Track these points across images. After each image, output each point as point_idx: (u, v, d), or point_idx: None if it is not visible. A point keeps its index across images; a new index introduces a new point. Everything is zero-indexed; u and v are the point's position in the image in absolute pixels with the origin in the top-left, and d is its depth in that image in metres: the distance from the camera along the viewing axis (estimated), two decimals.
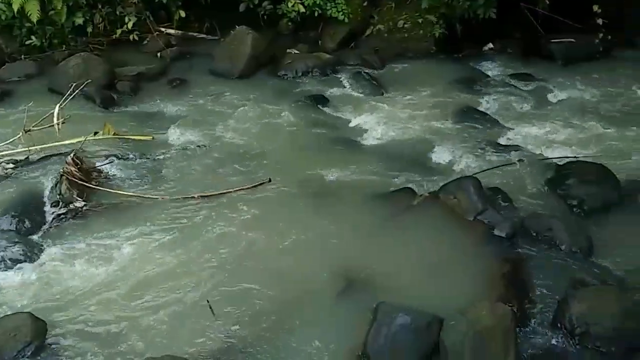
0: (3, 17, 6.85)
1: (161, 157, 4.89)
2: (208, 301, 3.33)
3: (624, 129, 5.10)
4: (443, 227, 3.97)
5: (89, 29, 7.12)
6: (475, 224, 3.92)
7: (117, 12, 7.18)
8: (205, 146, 5.03)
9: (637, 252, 3.64)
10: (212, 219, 4.08)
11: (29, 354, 3.06)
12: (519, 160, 4.67)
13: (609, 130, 5.13)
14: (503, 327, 2.90)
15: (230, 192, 4.34)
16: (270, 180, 4.44)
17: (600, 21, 5.94)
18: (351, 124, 5.45)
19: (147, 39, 7.36)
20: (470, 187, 4.08)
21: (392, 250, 3.78)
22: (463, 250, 3.76)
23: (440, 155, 4.83)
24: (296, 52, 6.94)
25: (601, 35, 6.09)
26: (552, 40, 6.70)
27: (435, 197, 4.17)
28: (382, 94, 6.02)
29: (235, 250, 3.79)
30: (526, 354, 2.98)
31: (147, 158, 4.86)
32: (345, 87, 6.21)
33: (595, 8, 5.89)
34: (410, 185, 4.36)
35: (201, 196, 4.29)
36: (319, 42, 7.28)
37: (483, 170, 4.48)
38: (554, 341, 3.08)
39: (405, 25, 6.88)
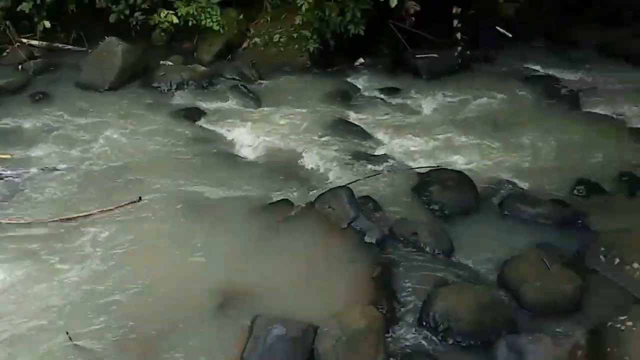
0: None
1: (20, 176, 4.61)
2: (67, 332, 3.18)
3: (482, 138, 5.54)
4: (319, 236, 4.11)
5: None
6: (348, 231, 4.10)
7: None
8: (69, 164, 4.79)
9: (493, 252, 3.98)
10: (76, 242, 3.90)
11: None
12: (388, 170, 4.94)
13: (468, 139, 5.55)
14: (373, 330, 3.07)
15: (95, 213, 4.14)
16: (140, 199, 4.31)
17: (459, 35, 6.42)
18: (228, 138, 5.46)
19: (7, 50, 6.89)
20: (344, 196, 4.26)
21: (269, 262, 3.84)
22: (337, 258, 3.91)
23: (316, 167, 4.99)
24: (170, 63, 6.82)
25: (459, 49, 6.59)
26: (417, 56, 7.16)
27: (311, 207, 4.30)
28: (259, 107, 6.09)
29: (102, 273, 3.65)
30: (396, 354, 3.15)
31: (5, 178, 4.55)
32: (221, 100, 6.21)
33: (455, 22, 6.37)
34: (287, 197, 4.47)
35: (63, 219, 4.06)
36: (195, 54, 7.22)
37: (355, 180, 4.68)
38: (420, 339, 3.29)
39: (281, 40, 7.03)
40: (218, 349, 3.18)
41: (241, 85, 6.43)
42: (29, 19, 6.97)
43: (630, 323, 2.94)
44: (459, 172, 4.81)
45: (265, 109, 6.06)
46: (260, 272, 3.75)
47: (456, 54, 6.93)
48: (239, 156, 5.17)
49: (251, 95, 6.26)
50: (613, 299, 3.54)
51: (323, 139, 5.46)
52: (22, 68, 6.62)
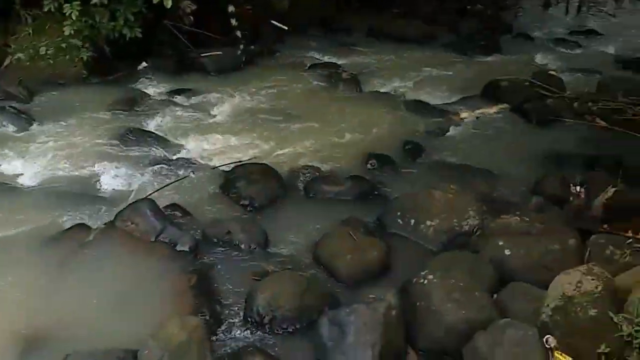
0: None
1: None
2: None
3: (277, 128, 5.70)
4: (125, 255, 3.82)
5: None
6: (157, 244, 3.88)
7: None
8: None
9: (305, 235, 4.10)
10: None
11: None
12: (191, 173, 4.80)
13: (264, 130, 5.66)
14: (196, 339, 2.94)
15: None
16: None
17: (238, 33, 6.48)
18: (1, 167, 4.81)
19: None
20: (146, 209, 4.02)
21: (74, 293, 3.47)
22: (149, 274, 3.67)
23: (111, 182, 4.65)
24: None
25: (242, 46, 6.67)
26: (202, 55, 7.08)
27: (111, 226, 3.98)
28: (35, 127, 5.46)
29: None
30: (223, 356, 3.07)
31: None
32: None
33: (233, 21, 6.41)
34: (82, 220, 4.09)
35: None
36: None
37: (157, 190, 4.47)
38: (248, 335, 3.25)
39: (49, 52, 6.39)
40: None
41: (9, 106, 5.69)
42: None
43: (431, 276, 3.22)
44: (262, 164, 4.87)
45: (43, 128, 5.46)
46: (66, 305, 3.37)
47: (240, 50, 6.99)
48: (19, 186, 4.58)
49: (23, 115, 5.59)
50: (414, 256, 3.88)
51: (115, 151, 5.11)
52: None
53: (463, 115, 6.06)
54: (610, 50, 8.66)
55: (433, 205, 4.10)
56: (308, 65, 7.43)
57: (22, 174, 4.70)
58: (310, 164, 5.05)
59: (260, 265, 3.80)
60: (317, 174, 4.89)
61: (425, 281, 3.23)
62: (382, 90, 6.82)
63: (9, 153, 4.97)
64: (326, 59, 7.77)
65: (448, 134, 5.75)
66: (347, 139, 5.55)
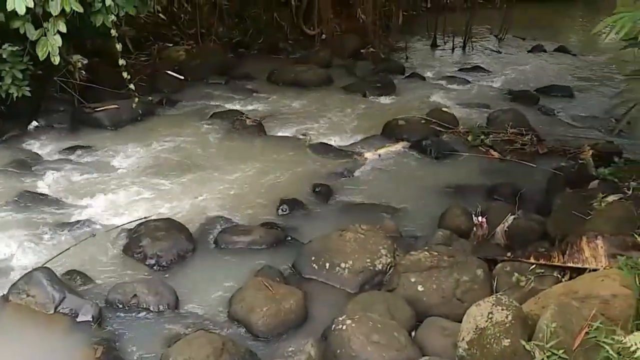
0: None
1: None
2: None
3: (182, 180, 5.53)
4: (21, 330, 3.50)
5: None
6: (57, 316, 3.58)
7: None
8: None
9: (217, 290, 3.96)
10: None
11: None
12: (91, 235, 4.53)
13: (168, 183, 5.48)
14: None
15: None
16: None
17: (132, 86, 6.33)
18: None
19: None
20: (42, 279, 3.71)
21: None
22: (49, 350, 3.38)
23: (2, 251, 4.28)
24: None
25: (137, 99, 6.51)
26: (97, 109, 6.81)
27: (5, 300, 3.66)
28: None
29: None
30: None
31: None
32: None
33: (125, 75, 6.24)
34: None
35: None
36: None
37: (55, 256, 4.16)
38: None
39: None
40: None
41: None
42: None
43: (349, 321, 3.18)
44: (167, 219, 4.69)
45: None
46: None
47: (135, 102, 6.82)
48: None
49: None
50: (332, 300, 3.84)
51: (5, 217, 4.74)
52: None
53: (366, 155, 6.20)
54: (497, 84, 9.28)
55: (346, 247, 4.12)
56: (210, 113, 7.35)
57: None
58: (219, 214, 4.95)
59: (171, 327, 3.61)
60: (227, 224, 4.78)
61: (344, 327, 3.19)
62: (286, 134, 6.87)
63: None
64: (228, 106, 7.73)
65: (354, 174, 5.84)
66: (256, 186, 5.51)
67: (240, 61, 9.85)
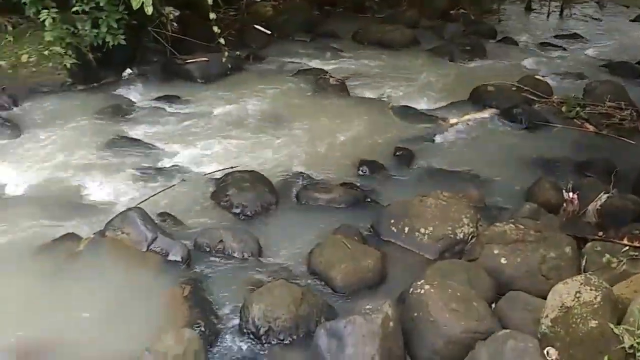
0: None
1: None
2: None
3: (267, 135, 5.63)
4: (116, 265, 3.75)
5: None
6: (149, 254, 3.80)
7: None
8: None
9: (298, 243, 4.05)
10: None
11: None
12: (181, 181, 4.73)
13: (253, 137, 5.60)
14: (192, 351, 2.89)
15: None
16: None
17: (222, 40, 6.44)
18: None
19: None
20: (136, 218, 3.94)
21: (65, 306, 3.38)
22: (141, 284, 3.61)
23: (99, 191, 4.56)
24: None
25: (226, 53, 6.63)
26: (188, 61, 7.00)
27: (102, 236, 3.91)
28: (19, 136, 5.33)
29: None
30: None
31: None
32: None
33: (216, 29, 6.37)
34: (72, 230, 3.98)
35: None
36: None
37: (147, 198, 4.39)
38: (244, 347, 3.19)
39: (30, 59, 6.27)
40: None
41: None
42: None
43: (427, 286, 3.18)
44: (253, 172, 4.81)
45: (27, 136, 5.33)
46: (57, 319, 3.28)
47: (225, 57, 6.95)
48: (5, 195, 4.47)
49: (8, 124, 5.46)
50: (409, 264, 3.85)
51: (102, 159, 5.02)
52: None
53: (452, 120, 6.06)
54: (595, 53, 8.76)
55: (426, 213, 4.09)
56: (295, 70, 7.39)
57: (8, 183, 4.58)
58: (301, 170, 5.02)
59: (254, 274, 3.75)
60: (308, 181, 4.85)
61: (422, 291, 3.19)
62: (370, 95, 6.80)
63: None
64: (313, 64, 7.74)
65: (437, 139, 5.74)
66: (337, 145, 5.53)
67: (325, 19, 9.77)
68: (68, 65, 6.31)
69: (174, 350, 2.86)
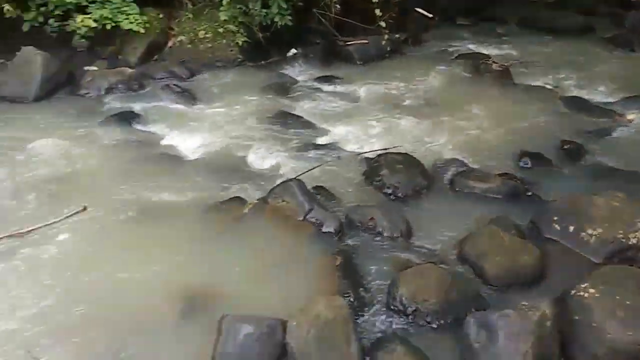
0: None
1: None
2: (29, 351, 2.96)
3: (422, 119, 5.58)
4: (275, 230, 3.98)
5: None
6: (305, 223, 3.99)
7: None
8: (4, 181, 4.43)
9: (449, 230, 3.98)
10: (24, 259, 3.63)
11: None
12: (336, 158, 4.88)
13: (409, 120, 5.58)
14: (341, 319, 2.99)
15: (41, 227, 3.86)
16: (85, 209, 4.05)
17: (383, 23, 6.46)
18: (167, 138, 5.21)
19: None
20: (296, 189, 4.15)
21: (229, 261, 3.68)
22: (297, 250, 3.80)
23: (262, 161, 4.85)
24: (95, 69, 6.47)
25: (386, 36, 6.64)
26: (348, 43, 7.13)
27: (264, 202, 4.17)
28: (195, 105, 5.86)
29: (55, 288, 3.40)
30: (366, 341, 3.09)
31: None
32: (154, 100, 5.92)
33: (377, 12, 6.40)
34: (238, 194, 4.30)
35: (7, 236, 3.76)
36: (119, 56, 6.86)
37: (305, 171, 4.57)
38: (390, 323, 3.24)
39: (207, 36, 6.81)
40: (187, 352, 3.03)
41: (173, 84, 6.17)
42: None
43: (592, 290, 2.98)
44: (406, 154, 4.80)
45: (201, 106, 5.85)
46: (220, 272, 3.59)
47: (385, 39, 6.97)
48: (180, 157, 4.94)
49: (185, 93, 6.02)
50: (572, 266, 3.60)
51: (266, 132, 5.32)
52: None
53: (630, 116, 5.53)
54: None
55: (596, 213, 3.78)
56: (455, 55, 7.21)
57: (184, 147, 5.06)
58: (455, 157, 4.90)
59: (402, 254, 3.77)
60: (464, 168, 4.73)
61: (586, 294, 3.00)
62: (535, 84, 6.43)
63: (173, 127, 5.38)
64: (474, 49, 7.49)
65: (612, 136, 5.28)
66: (496, 134, 5.31)
67: (491, 3, 9.35)
68: (240, 43, 6.77)
69: (325, 314, 2.99)
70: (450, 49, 7.48)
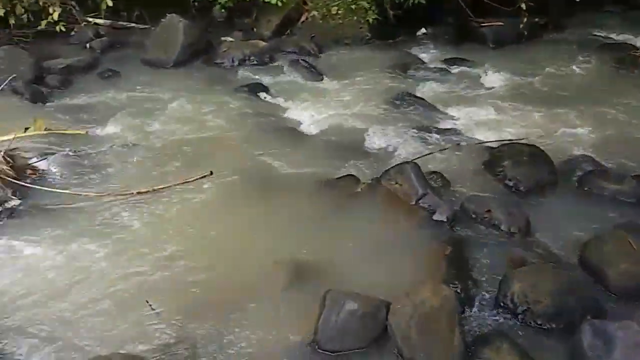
0: None
1: (96, 152, 4.65)
2: (147, 301, 3.22)
3: (554, 110, 5.28)
4: (386, 212, 4.00)
5: (12, 21, 6.64)
6: (416, 208, 3.96)
7: (41, 3, 6.69)
8: (141, 140, 4.84)
9: (572, 231, 3.77)
10: (152, 215, 3.95)
11: None
12: (456, 145, 4.76)
13: (539, 111, 5.29)
14: (447, 308, 2.95)
15: (171, 187, 4.19)
16: (212, 173, 4.32)
17: (523, 5, 6.13)
18: (291, 112, 5.39)
19: (75, 29, 7.01)
20: (411, 172, 4.11)
21: (338, 238, 3.76)
22: (406, 235, 3.79)
23: (380, 141, 4.84)
24: (231, 39, 6.82)
25: (525, 19, 6.30)
26: (482, 25, 6.86)
27: (377, 183, 4.19)
28: (321, 80, 6.00)
29: (177, 246, 3.67)
30: (470, 334, 3.03)
31: (81, 154, 4.61)
32: (283, 74, 6.14)
33: None
34: (352, 172, 4.36)
35: (140, 192, 4.13)
36: (254, 29, 7.16)
37: (423, 155, 4.52)
38: (497, 320, 3.14)
39: (339, 12, 6.88)
40: (291, 321, 3.15)
41: (302, 59, 6.35)
42: None
43: None
44: (533, 146, 4.56)
45: (327, 82, 5.97)
46: (330, 247, 3.68)
47: (523, 22, 6.60)
48: (303, 130, 5.09)
49: (312, 69, 6.17)
50: None
51: (387, 112, 5.32)
52: (89, 47, 6.74)
53: None
54: None
55: None
56: (599, 44, 6.69)
57: (306, 121, 5.21)
58: (588, 154, 4.58)
59: (518, 251, 3.62)
60: (595, 166, 4.41)
61: None
62: None
63: (298, 102, 5.55)
64: (621, 38, 6.90)
65: None
66: (635, 133, 4.90)
67: None
68: (370, 21, 6.77)
69: (430, 301, 2.97)
70: (593, 37, 6.96)
